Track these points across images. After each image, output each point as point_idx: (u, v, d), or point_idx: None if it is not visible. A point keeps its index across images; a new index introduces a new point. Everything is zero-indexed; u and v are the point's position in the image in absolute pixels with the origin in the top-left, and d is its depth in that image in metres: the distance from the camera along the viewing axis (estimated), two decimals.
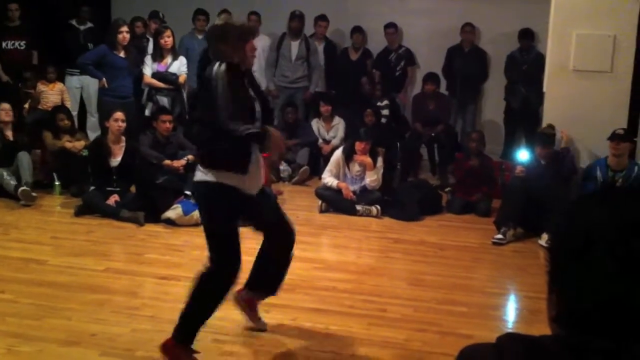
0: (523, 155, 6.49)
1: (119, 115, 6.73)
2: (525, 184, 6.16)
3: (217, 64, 3.49)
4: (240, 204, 3.63)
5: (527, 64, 8.54)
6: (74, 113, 8.36)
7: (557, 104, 6.64)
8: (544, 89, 6.86)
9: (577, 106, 6.52)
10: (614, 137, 6.11)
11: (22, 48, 8.56)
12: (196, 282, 3.63)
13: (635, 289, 0.98)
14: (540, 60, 7.96)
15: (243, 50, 3.58)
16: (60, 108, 7.80)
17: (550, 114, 6.69)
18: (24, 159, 6.99)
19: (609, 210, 1.04)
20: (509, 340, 1.11)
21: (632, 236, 0.99)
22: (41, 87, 8.34)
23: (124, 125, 6.72)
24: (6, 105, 7.20)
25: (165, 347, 3.60)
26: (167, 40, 7.82)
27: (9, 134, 7.18)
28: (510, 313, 4.87)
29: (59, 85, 8.49)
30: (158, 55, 7.88)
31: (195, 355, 3.62)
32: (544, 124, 6.73)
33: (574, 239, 1.05)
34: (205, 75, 3.54)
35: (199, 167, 3.63)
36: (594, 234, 1.02)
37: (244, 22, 3.85)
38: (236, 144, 3.51)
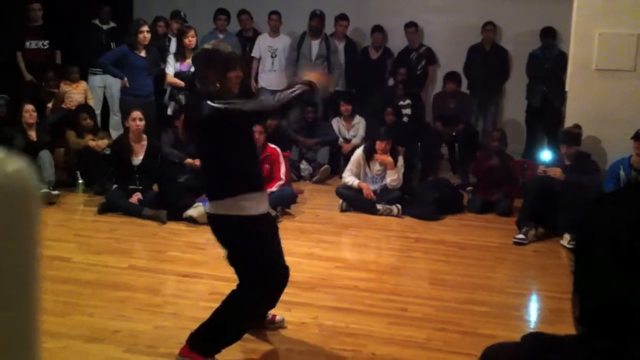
0: (546, 155, 6.45)
1: (136, 114, 6.77)
2: (547, 183, 6.12)
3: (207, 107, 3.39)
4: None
5: (549, 62, 8.48)
6: (97, 112, 8.43)
7: (580, 103, 6.59)
8: (566, 88, 6.81)
9: (600, 105, 6.47)
10: (637, 137, 6.05)
11: (45, 48, 8.63)
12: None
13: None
14: (562, 59, 7.91)
15: (226, 77, 3.55)
16: (83, 107, 7.88)
17: (573, 113, 6.64)
18: (45, 158, 7.06)
19: (626, 210, 1.04)
20: (533, 339, 1.12)
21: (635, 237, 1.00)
22: (65, 86, 8.41)
23: (142, 124, 6.77)
24: (30, 107, 7.28)
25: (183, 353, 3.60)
26: (192, 40, 7.85)
27: (32, 134, 7.26)
28: (532, 313, 4.85)
29: (82, 85, 8.57)
30: (181, 55, 7.92)
31: None
32: (566, 123, 6.68)
33: (593, 239, 1.06)
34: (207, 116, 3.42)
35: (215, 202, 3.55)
36: (611, 234, 1.03)
37: (232, 51, 3.81)
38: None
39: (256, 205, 3.54)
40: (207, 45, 3.76)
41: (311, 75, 3.71)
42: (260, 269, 3.58)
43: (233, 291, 3.61)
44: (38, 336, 0.75)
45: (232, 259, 3.61)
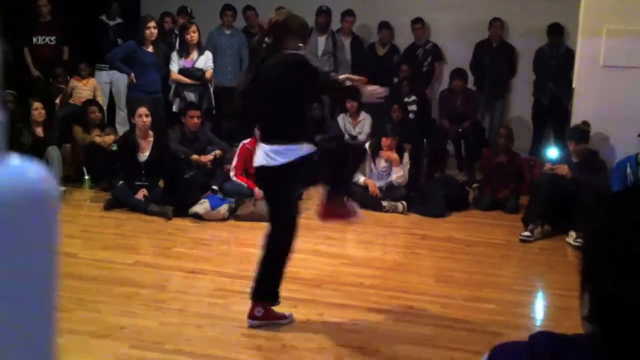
0: (553, 152, 6.43)
1: (142, 110, 6.77)
2: (554, 181, 6.11)
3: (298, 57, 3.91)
4: None
5: (556, 59, 8.45)
6: (104, 108, 8.45)
7: (587, 100, 6.56)
8: (574, 85, 6.78)
9: (607, 102, 6.45)
10: None
11: (52, 43, 8.64)
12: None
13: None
14: (569, 55, 7.88)
15: (304, 43, 4.12)
16: (92, 101, 7.90)
17: (580, 110, 6.62)
18: (53, 154, 7.08)
19: (634, 209, 1.04)
20: (542, 338, 1.11)
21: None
22: (75, 82, 8.42)
23: (148, 120, 6.77)
24: (39, 104, 7.31)
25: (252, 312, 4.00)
26: (193, 35, 7.84)
27: (40, 130, 7.28)
28: (538, 310, 4.84)
29: (92, 81, 8.56)
30: (184, 51, 7.92)
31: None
32: (573, 120, 6.66)
33: (602, 239, 1.05)
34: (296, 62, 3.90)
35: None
36: (616, 233, 1.02)
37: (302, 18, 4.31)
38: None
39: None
40: (287, 13, 4.20)
41: (361, 81, 4.02)
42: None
43: (267, 238, 4.00)
44: (55, 335, 0.76)
45: (274, 203, 4.02)
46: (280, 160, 3.81)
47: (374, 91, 4.01)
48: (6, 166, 0.69)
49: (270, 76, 3.85)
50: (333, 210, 4.14)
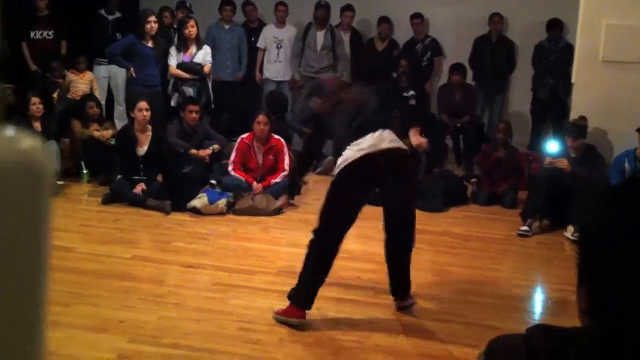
0: (552, 146, 6.43)
1: (142, 104, 6.76)
2: (552, 175, 6.11)
3: None
4: None
5: (556, 54, 8.44)
6: (102, 102, 8.42)
7: (586, 95, 6.56)
8: (573, 80, 6.78)
9: (606, 97, 6.45)
10: None
11: (50, 38, 8.61)
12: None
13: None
14: (568, 50, 7.87)
15: None
16: (90, 96, 7.88)
17: (579, 105, 6.61)
18: (52, 148, 7.06)
19: (629, 203, 1.04)
20: (539, 331, 1.11)
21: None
22: (71, 76, 8.40)
23: (148, 114, 6.76)
24: (36, 99, 7.29)
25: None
26: (191, 30, 7.82)
27: (38, 125, 7.27)
28: (536, 305, 4.84)
29: (88, 75, 8.54)
30: (182, 46, 7.90)
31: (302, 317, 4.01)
32: (572, 115, 6.66)
33: (598, 233, 1.05)
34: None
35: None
36: (610, 227, 1.02)
37: None
38: None
39: None
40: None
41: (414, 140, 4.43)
42: None
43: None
44: (45, 326, 0.75)
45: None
46: None
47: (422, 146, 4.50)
48: None
49: None
50: None
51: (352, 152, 3.94)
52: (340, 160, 3.99)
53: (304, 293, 4.02)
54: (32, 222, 0.70)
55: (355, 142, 3.96)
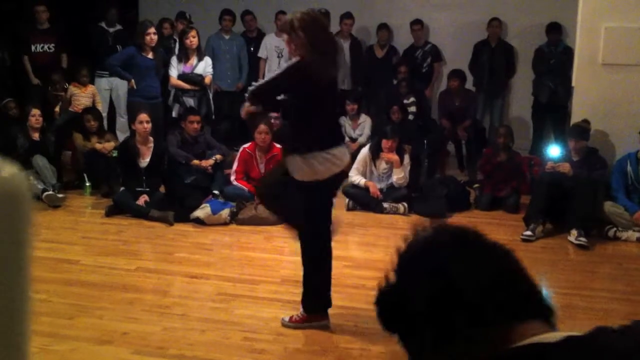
0: (554, 151, 6.43)
1: (143, 117, 6.77)
2: (555, 179, 6.10)
3: None
4: None
5: (555, 58, 8.44)
6: (104, 114, 8.43)
7: (586, 98, 6.56)
8: (573, 83, 6.78)
9: (607, 100, 6.45)
10: None
11: (51, 51, 8.64)
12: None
13: None
14: (568, 54, 7.88)
15: None
16: (89, 110, 7.87)
17: (579, 108, 6.62)
18: (39, 162, 7.05)
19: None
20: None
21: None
22: (73, 89, 8.40)
23: (149, 126, 6.77)
24: (37, 111, 7.32)
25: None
26: (193, 40, 7.84)
27: (36, 135, 7.30)
28: None
29: (90, 88, 8.53)
30: (183, 56, 7.92)
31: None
32: (573, 118, 6.66)
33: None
34: None
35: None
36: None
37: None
38: None
39: None
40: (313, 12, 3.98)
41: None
42: None
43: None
44: (28, 341, 0.75)
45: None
46: None
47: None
48: None
49: None
50: None
51: (329, 163, 3.86)
52: (319, 165, 3.83)
53: (321, 298, 4.17)
54: (13, 248, 0.71)
55: (329, 151, 3.88)
